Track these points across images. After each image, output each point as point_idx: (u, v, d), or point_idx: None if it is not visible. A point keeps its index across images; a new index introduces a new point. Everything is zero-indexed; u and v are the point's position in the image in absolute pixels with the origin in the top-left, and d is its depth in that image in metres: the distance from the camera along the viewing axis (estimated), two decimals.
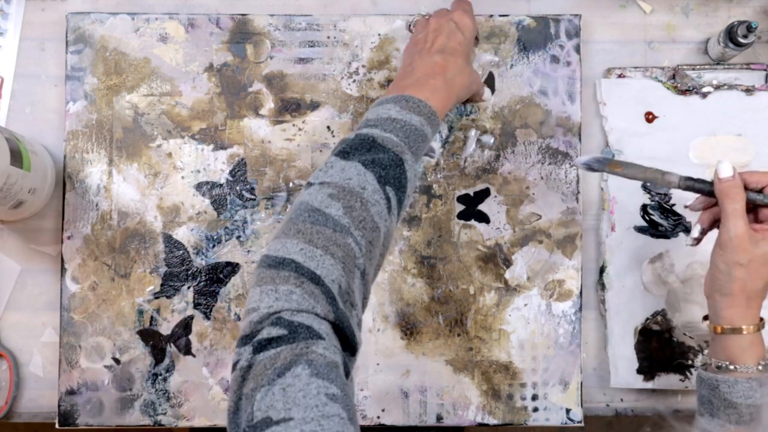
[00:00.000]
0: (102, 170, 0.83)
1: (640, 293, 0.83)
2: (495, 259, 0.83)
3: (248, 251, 0.83)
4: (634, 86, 0.85)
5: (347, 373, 0.54)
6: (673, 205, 0.84)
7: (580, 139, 0.84)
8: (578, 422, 0.83)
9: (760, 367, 0.67)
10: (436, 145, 0.84)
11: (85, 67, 0.84)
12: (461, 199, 0.84)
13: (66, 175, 0.83)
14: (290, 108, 0.84)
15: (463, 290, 0.83)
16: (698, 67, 0.85)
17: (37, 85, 0.86)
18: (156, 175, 0.84)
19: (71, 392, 0.82)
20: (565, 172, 0.84)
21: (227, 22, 0.85)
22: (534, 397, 0.83)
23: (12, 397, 0.83)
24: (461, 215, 0.84)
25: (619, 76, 0.85)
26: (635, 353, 0.82)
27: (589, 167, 0.73)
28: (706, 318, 0.72)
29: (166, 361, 0.82)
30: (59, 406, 0.82)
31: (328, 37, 0.85)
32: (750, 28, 0.79)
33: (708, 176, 0.72)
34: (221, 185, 0.84)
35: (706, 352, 0.80)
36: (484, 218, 0.84)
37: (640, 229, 0.84)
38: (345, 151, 0.61)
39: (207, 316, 0.83)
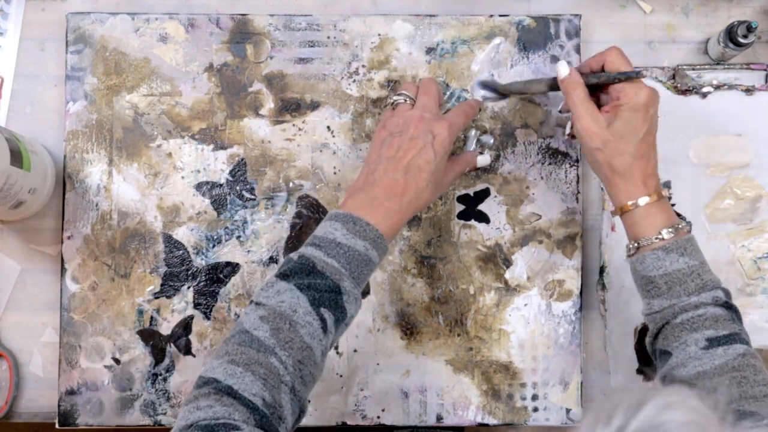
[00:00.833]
0: (102, 170, 0.83)
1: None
2: (495, 259, 0.83)
3: (248, 251, 0.83)
4: None
5: None
6: (674, 205, 0.84)
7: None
8: (578, 422, 0.83)
9: (661, 235, 0.67)
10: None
11: (85, 67, 0.84)
12: (461, 199, 0.84)
13: (66, 175, 0.83)
14: (290, 108, 0.84)
15: (463, 290, 0.83)
16: (698, 67, 0.85)
17: (37, 85, 0.86)
18: (156, 175, 0.84)
19: (71, 392, 0.82)
20: (565, 172, 0.84)
21: (227, 22, 0.85)
22: (534, 397, 0.83)
23: (12, 397, 0.83)
24: (461, 215, 0.84)
25: None
26: (635, 353, 0.83)
27: (486, 89, 0.76)
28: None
29: (166, 361, 0.82)
30: (59, 406, 0.82)
31: (328, 37, 0.85)
32: (750, 28, 0.79)
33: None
34: (221, 185, 0.84)
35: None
36: (484, 218, 0.84)
37: None
38: (285, 274, 0.65)
39: (207, 316, 0.83)
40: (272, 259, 0.83)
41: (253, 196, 0.84)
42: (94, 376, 0.82)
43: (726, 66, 0.85)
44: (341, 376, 0.83)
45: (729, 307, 0.67)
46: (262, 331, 0.62)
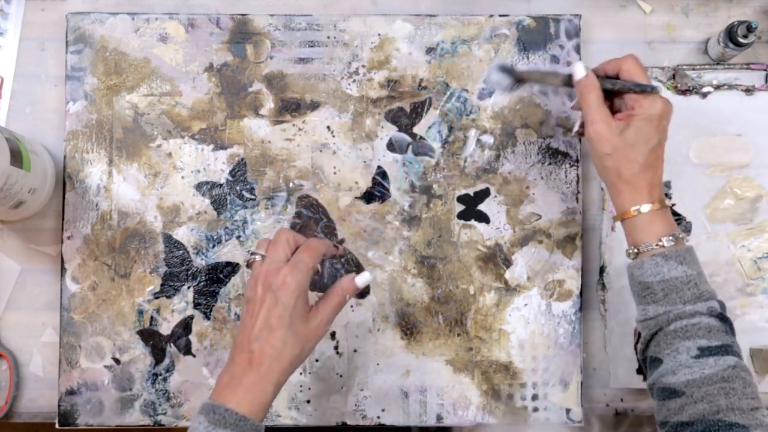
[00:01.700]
0: (102, 170, 0.83)
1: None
2: (495, 259, 0.83)
3: (248, 251, 0.83)
4: None
5: None
6: (673, 205, 0.84)
7: (580, 140, 0.84)
8: (578, 422, 0.83)
9: (661, 242, 0.67)
10: (436, 145, 0.83)
11: (85, 67, 0.84)
12: (461, 199, 0.84)
13: (66, 175, 0.83)
14: (290, 108, 0.84)
15: (463, 290, 0.83)
16: (698, 67, 0.85)
17: (37, 85, 0.86)
18: (156, 175, 0.84)
19: (71, 392, 0.82)
20: (565, 172, 0.84)
21: (227, 22, 0.85)
22: (534, 397, 0.83)
23: (12, 397, 0.83)
24: (461, 215, 0.84)
25: None
26: (635, 353, 0.82)
27: (504, 72, 0.74)
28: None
29: (166, 361, 0.82)
30: (59, 406, 0.82)
31: (328, 37, 0.85)
32: (750, 28, 0.79)
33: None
34: (221, 185, 0.84)
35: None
36: (484, 218, 0.84)
37: None
38: None
39: (207, 316, 0.83)
40: None
41: (253, 196, 0.84)
42: (94, 376, 0.82)
43: (726, 66, 0.85)
44: (341, 376, 0.83)
45: (723, 319, 0.67)
46: None
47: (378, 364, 0.83)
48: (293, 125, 0.84)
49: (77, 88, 0.84)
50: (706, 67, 0.85)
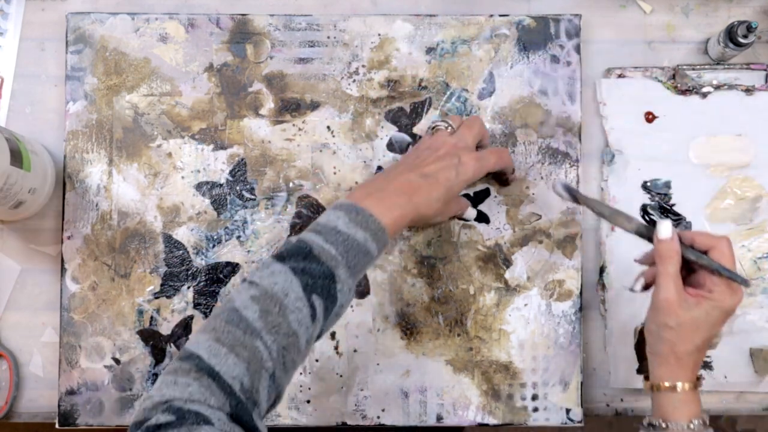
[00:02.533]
0: (102, 170, 0.83)
1: (640, 293, 0.83)
2: (495, 259, 0.83)
3: (248, 251, 0.83)
4: (634, 86, 0.85)
5: None
6: (673, 205, 0.84)
7: (580, 139, 0.84)
8: (578, 422, 0.83)
9: (692, 425, 0.67)
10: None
11: (85, 67, 0.84)
12: None
13: (66, 175, 0.83)
14: (290, 108, 0.84)
15: (463, 290, 0.83)
16: (698, 67, 0.85)
17: (37, 85, 0.86)
18: (156, 175, 0.84)
19: (71, 392, 0.82)
20: (565, 172, 0.84)
21: (227, 22, 0.85)
22: (534, 397, 0.83)
23: (12, 397, 0.83)
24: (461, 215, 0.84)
25: (619, 76, 0.85)
26: (635, 353, 0.82)
27: (568, 192, 0.73)
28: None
29: (166, 361, 0.82)
30: (59, 406, 0.82)
31: (328, 37, 0.85)
32: (750, 28, 0.79)
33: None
34: (221, 185, 0.84)
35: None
36: (484, 218, 0.84)
37: None
38: (281, 255, 0.64)
39: (207, 316, 0.83)
40: None
41: (253, 196, 0.84)
42: (94, 376, 0.82)
43: (726, 66, 0.85)
44: (341, 376, 0.83)
45: None
46: (251, 312, 0.61)
47: (378, 364, 0.83)
48: (293, 125, 0.84)
49: (77, 88, 0.84)
50: (706, 67, 0.85)
